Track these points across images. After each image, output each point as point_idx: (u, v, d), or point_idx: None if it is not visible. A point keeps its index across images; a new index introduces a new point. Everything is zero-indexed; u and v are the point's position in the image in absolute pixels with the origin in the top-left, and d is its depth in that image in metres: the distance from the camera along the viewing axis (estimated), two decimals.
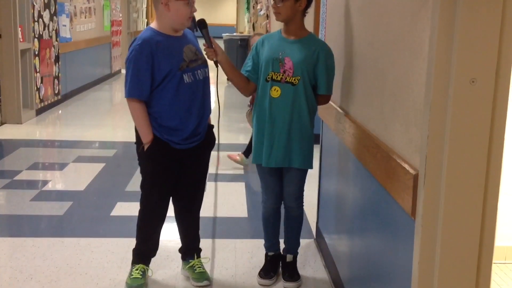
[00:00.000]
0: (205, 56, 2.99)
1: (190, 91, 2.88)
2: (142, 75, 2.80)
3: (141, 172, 3.05)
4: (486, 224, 1.75)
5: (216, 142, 3.10)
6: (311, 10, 2.96)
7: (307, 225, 3.94)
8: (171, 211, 3.16)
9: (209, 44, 2.92)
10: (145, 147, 2.89)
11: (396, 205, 2.02)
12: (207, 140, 3.06)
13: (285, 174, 3.08)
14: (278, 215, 3.23)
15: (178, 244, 3.32)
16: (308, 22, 3.05)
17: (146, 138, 2.88)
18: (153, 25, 2.90)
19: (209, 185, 3.23)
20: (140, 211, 3.09)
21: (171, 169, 2.98)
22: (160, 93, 2.84)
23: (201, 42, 3.01)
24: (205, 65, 2.98)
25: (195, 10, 2.89)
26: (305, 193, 3.18)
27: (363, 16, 2.62)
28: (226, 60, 2.97)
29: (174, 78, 2.83)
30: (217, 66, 2.97)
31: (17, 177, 5.08)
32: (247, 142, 6.58)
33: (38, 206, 4.37)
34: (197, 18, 3.01)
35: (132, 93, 2.83)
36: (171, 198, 3.12)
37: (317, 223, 3.83)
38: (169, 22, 2.85)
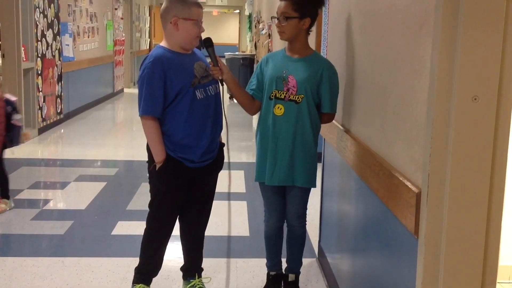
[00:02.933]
0: None
1: (203, 107, 2.89)
2: (155, 92, 2.81)
3: (151, 190, 3.03)
4: (490, 243, 1.73)
5: (226, 160, 3.09)
6: (312, 28, 2.97)
7: (309, 244, 3.91)
8: (176, 231, 3.13)
9: (215, 62, 2.93)
10: (157, 166, 2.88)
11: (399, 224, 2.00)
12: (218, 159, 3.06)
13: (288, 193, 3.06)
14: (280, 233, 3.20)
15: (179, 263, 3.29)
16: (310, 41, 3.06)
17: (159, 157, 2.88)
18: (163, 43, 2.92)
19: (214, 204, 3.21)
20: (146, 229, 3.07)
21: (183, 188, 2.97)
22: (173, 110, 2.85)
23: (207, 61, 3.02)
24: (216, 81, 3.00)
25: (203, 30, 2.91)
26: (307, 211, 3.15)
27: (364, 34, 2.62)
28: (231, 79, 2.98)
29: (187, 94, 2.84)
30: (222, 85, 2.98)
31: (18, 196, 5.06)
32: (249, 160, 6.56)
33: (39, 225, 4.35)
34: (202, 37, 3.02)
35: (146, 111, 2.84)
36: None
37: (319, 242, 3.80)
38: (177, 41, 2.87)
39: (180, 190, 2.97)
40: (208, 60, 2.97)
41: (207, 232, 3.25)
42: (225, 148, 3.10)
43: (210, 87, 2.94)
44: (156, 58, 2.83)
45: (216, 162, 3.03)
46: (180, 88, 2.83)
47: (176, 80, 2.82)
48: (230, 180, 3.04)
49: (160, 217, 3.03)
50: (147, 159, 2.99)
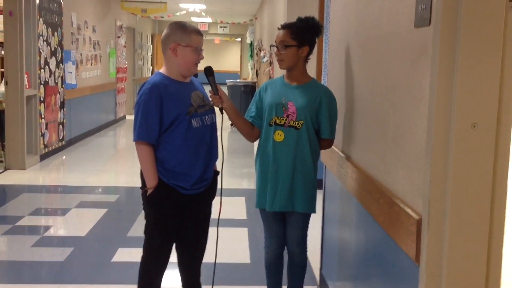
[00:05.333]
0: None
1: (198, 136, 2.90)
2: (151, 118, 2.82)
3: (145, 217, 3.03)
4: (491, 271, 1.72)
5: (219, 187, 3.10)
6: (313, 57, 3.00)
7: (310, 271, 3.88)
8: (174, 257, 3.12)
9: (215, 91, 2.95)
10: (148, 192, 2.88)
11: (400, 251, 1.99)
12: (212, 187, 3.06)
13: (288, 219, 3.05)
14: (281, 261, 3.19)
15: None
16: (311, 69, 3.09)
17: (151, 183, 2.88)
18: (162, 70, 2.94)
19: (211, 230, 3.19)
20: (142, 257, 3.05)
21: (175, 215, 2.96)
22: (168, 137, 2.86)
23: (208, 89, 3.04)
24: (212, 111, 3.01)
25: (203, 58, 2.93)
26: (308, 238, 3.14)
27: (364, 62, 2.65)
28: (231, 107, 3.00)
29: (183, 122, 2.85)
30: (222, 113, 2.99)
31: (19, 223, 5.05)
32: (250, 187, 6.54)
33: (39, 252, 4.33)
34: (203, 65, 3.05)
35: (140, 136, 2.85)
36: (174, 244, 3.08)
37: (320, 269, 3.77)
38: (176, 68, 2.89)
39: (171, 216, 2.95)
40: (209, 88, 3.00)
41: (207, 260, 3.23)
42: (219, 176, 3.10)
43: (206, 116, 2.95)
44: (154, 84, 2.85)
45: (209, 190, 3.03)
46: (176, 116, 2.84)
47: (173, 108, 2.84)
48: (221, 207, 3.04)
49: (154, 244, 3.01)
50: (140, 186, 2.99)
